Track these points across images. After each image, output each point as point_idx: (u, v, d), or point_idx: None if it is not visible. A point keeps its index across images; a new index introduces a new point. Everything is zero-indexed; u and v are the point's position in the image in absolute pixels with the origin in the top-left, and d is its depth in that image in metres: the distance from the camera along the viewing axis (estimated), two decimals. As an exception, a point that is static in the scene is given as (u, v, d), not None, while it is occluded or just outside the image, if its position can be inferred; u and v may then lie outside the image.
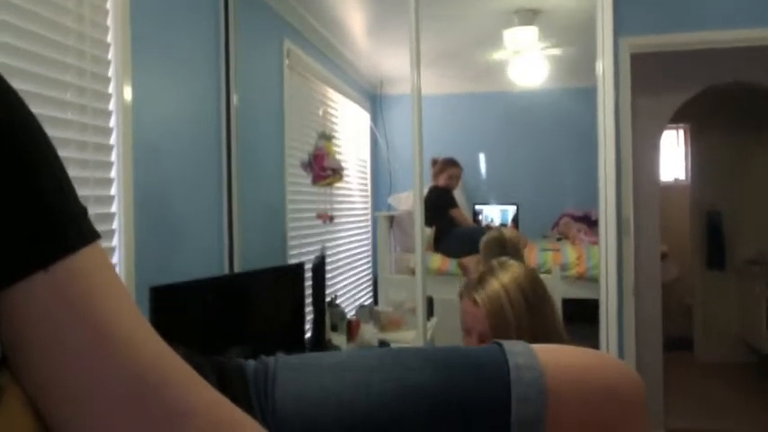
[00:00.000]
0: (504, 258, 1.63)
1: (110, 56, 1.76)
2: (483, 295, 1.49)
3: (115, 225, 1.76)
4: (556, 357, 0.64)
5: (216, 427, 0.42)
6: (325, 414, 0.58)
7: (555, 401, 0.59)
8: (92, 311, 0.39)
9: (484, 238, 2.73)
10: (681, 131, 5.95)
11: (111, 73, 1.76)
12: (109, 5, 1.76)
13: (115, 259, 1.76)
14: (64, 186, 0.42)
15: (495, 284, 1.49)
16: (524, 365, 0.61)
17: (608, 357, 0.69)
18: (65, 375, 0.39)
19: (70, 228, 0.40)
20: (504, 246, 2.57)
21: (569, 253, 3.65)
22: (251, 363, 0.63)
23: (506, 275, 1.50)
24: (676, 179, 5.94)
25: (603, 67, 2.17)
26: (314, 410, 0.58)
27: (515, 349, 0.63)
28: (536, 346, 0.64)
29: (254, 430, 0.45)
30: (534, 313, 1.47)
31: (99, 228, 1.58)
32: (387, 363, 0.63)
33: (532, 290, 1.49)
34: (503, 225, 4.38)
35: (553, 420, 0.59)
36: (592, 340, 2.22)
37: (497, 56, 3.63)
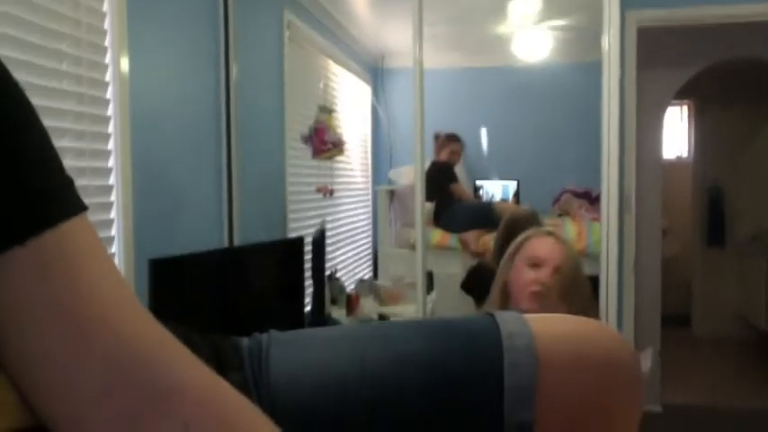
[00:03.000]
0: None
1: (106, 25, 1.73)
2: (563, 241, 1.67)
3: (113, 197, 1.75)
4: (548, 325, 0.64)
5: (208, 404, 0.41)
6: (319, 388, 0.58)
7: (547, 368, 0.59)
8: (71, 288, 0.38)
9: (507, 217, 2.74)
10: (684, 108, 5.90)
11: (107, 43, 1.73)
12: (105, -27, 1.72)
13: (113, 232, 1.75)
14: (46, 157, 0.40)
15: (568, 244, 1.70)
16: (516, 333, 0.61)
17: (600, 325, 0.69)
18: (44, 354, 0.37)
19: (51, 200, 0.39)
20: (524, 226, 2.60)
21: (570, 229, 3.64)
22: (245, 340, 0.63)
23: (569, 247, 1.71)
24: (678, 156, 5.91)
25: (609, 41, 2.13)
26: (308, 385, 0.58)
27: (507, 318, 0.63)
28: (529, 316, 0.64)
29: (248, 409, 0.44)
30: (583, 282, 1.65)
31: (97, 200, 1.57)
32: (380, 335, 0.63)
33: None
34: (503, 200, 4.37)
35: (546, 387, 0.59)
36: (591, 315, 2.24)
37: (501, 29, 3.58)
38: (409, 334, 0.63)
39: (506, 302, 1.65)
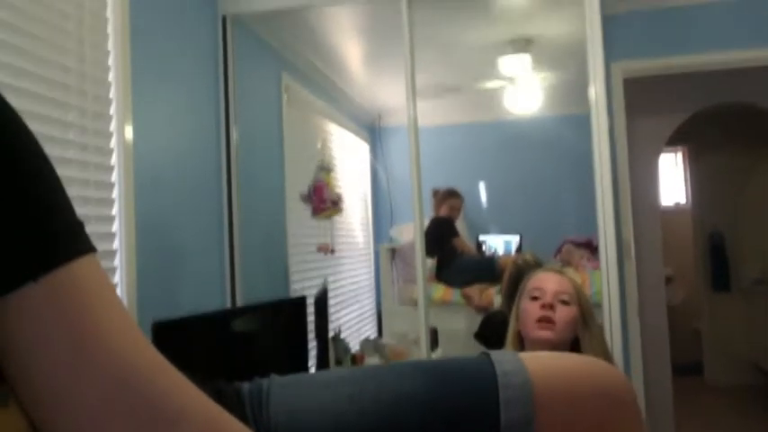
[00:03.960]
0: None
1: (111, 94, 1.79)
2: (568, 272, 1.65)
3: (117, 262, 1.77)
4: (542, 363, 0.65)
5: (211, 430, 0.43)
6: (319, 426, 0.58)
7: (544, 404, 0.60)
8: (80, 321, 0.40)
9: (512, 262, 2.76)
10: (679, 154, 5.98)
11: (112, 111, 1.79)
12: (110, 46, 1.80)
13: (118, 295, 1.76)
14: (59, 199, 0.43)
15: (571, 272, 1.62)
16: (511, 371, 0.62)
17: (594, 360, 0.69)
18: (54, 382, 0.39)
19: (63, 239, 0.41)
20: (529, 269, 2.62)
21: (573, 279, 3.63)
22: (246, 384, 0.64)
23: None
24: (677, 203, 5.95)
25: (596, 92, 2.20)
26: (306, 424, 0.59)
27: (502, 357, 0.64)
28: (524, 355, 0.65)
29: None
30: (594, 317, 1.59)
31: (101, 265, 1.60)
32: (377, 375, 0.64)
33: None
34: (506, 254, 4.38)
35: (542, 423, 0.59)
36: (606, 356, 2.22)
37: (492, 84, 3.68)
38: (406, 374, 0.64)
39: (521, 347, 1.59)
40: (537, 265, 2.60)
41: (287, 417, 0.59)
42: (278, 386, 0.62)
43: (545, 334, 1.51)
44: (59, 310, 0.40)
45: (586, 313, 1.55)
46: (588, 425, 0.62)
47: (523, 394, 0.60)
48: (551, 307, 1.52)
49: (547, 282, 1.57)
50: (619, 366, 2.16)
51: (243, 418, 0.58)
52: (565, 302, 1.53)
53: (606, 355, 1.55)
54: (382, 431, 0.58)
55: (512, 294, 1.71)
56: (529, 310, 1.55)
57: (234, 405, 0.59)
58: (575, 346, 1.54)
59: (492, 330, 2.52)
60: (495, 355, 0.65)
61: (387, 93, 4.08)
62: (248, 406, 0.60)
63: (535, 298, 1.55)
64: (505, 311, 1.79)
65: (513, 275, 2.56)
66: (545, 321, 1.51)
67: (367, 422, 0.59)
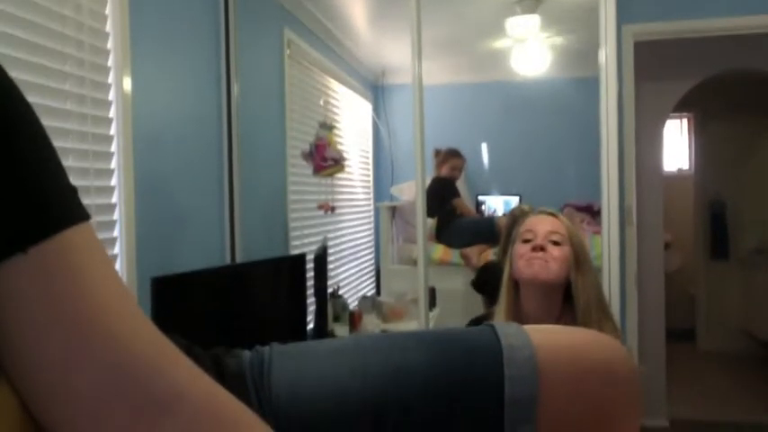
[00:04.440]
0: None
1: (109, 45, 1.75)
2: (561, 217, 1.57)
3: (116, 216, 1.76)
4: (548, 337, 0.64)
5: (210, 413, 0.42)
6: (320, 398, 0.58)
7: (548, 380, 0.60)
8: (72, 298, 0.38)
9: (510, 211, 2.73)
10: (684, 121, 5.92)
11: (110, 63, 1.75)
12: (107, -5, 1.74)
13: (116, 250, 1.76)
14: (50, 162, 0.40)
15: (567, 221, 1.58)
16: (517, 345, 0.61)
17: (601, 337, 0.69)
18: (45, 358, 0.38)
19: (53, 208, 0.39)
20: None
21: (572, 243, 3.63)
22: (247, 353, 0.63)
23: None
24: (680, 169, 5.92)
25: (606, 55, 2.15)
26: (309, 395, 0.58)
27: (508, 330, 0.63)
28: (529, 327, 0.64)
29: (248, 416, 0.44)
30: (589, 255, 1.56)
31: (99, 219, 1.58)
32: (381, 346, 0.63)
33: None
34: (505, 215, 4.37)
35: (546, 399, 0.59)
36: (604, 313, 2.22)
37: (499, 44, 3.60)
38: (410, 345, 0.63)
39: (516, 294, 1.55)
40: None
41: (288, 388, 0.59)
42: (279, 356, 0.62)
43: (536, 269, 1.47)
44: (50, 285, 0.38)
45: (580, 255, 1.50)
46: (589, 401, 0.62)
47: (528, 370, 0.60)
48: (542, 248, 1.49)
49: (538, 224, 1.53)
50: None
51: (244, 387, 0.58)
52: (556, 243, 1.49)
53: (600, 299, 1.50)
54: (384, 403, 0.58)
55: (508, 243, 1.66)
56: (521, 251, 1.51)
57: (234, 375, 0.59)
58: (567, 289, 1.50)
59: (488, 278, 2.50)
60: (501, 327, 0.64)
61: (391, 50, 4.01)
62: (249, 376, 0.59)
63: (527, 240, 1.51)
64: (502, 261, 1.75)
65: (509, 224, 2.53)
66: (536, 260, 1.48)
67: (369, 395, 0.58)
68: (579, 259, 1.49)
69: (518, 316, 1.53)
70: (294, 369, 0.60)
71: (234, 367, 0.60)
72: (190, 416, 0.40)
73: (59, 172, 0.41)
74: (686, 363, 4.79)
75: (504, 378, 0.59)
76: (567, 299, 1.51)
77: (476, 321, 1.75)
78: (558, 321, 1.49)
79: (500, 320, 1.52)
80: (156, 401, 0.39)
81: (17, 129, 0.39)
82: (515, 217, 2.54)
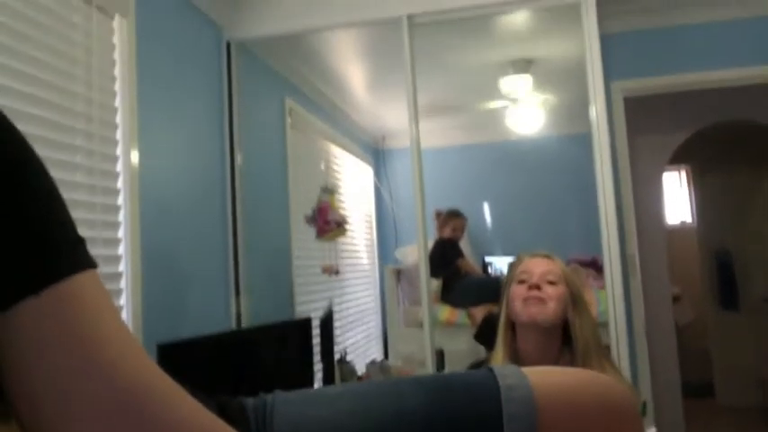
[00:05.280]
0: None
1: (117, 119, 1.82)
2: (555, 259, 1.56)
3: (123, 284, 1.78)
4: (545, 377, 0.65)
5: None
6: None
7: (546, 418, 0.60)
8: (81, 333, 0.41)
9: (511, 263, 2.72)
10: (683, 173, 5.98)
11: (118, 136, 1.82)
12: (116, 72, 1.83)
13: (123, 317, 1.77)
14: (59, 214, 0.44)
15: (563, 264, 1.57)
16: (514, 385, 0.62)
17: (601, 376, 0.69)
18: (53, 394, 0.39)
19: (63, 254, 0.42)
20: None
21: (578, 298, 3.61)
22: (250, 399, 0.64)
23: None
24: (683, 222, 5.93)
25: (597, 111, 2.22)
26: None
27: (505, 371, 0.64)
28: (527, 369, 0.65)
29: None
30: (584, 298, 1.54)
31: (107, 287, 1.61)
32: (381, 389, 0.64)
33: None
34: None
35: None
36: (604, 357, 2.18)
37: (494, 105, 3.71)
38: (410, 388, 0.64)
39: (513, 336, 1.54)
40: None
41: (290, 431, 0.59)
42: (282, 401, 0.63)
43: (533, 311, 1.46)
44: (60, 322, 0.40)
45: (576, 295, 1.49)
46: None
47: (526, 408, 0.60)
48: (538, 287, 1.48)
49: (534, 266, 1.53)
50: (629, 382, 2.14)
51: (247, 430, 0.59)
52: (552, 282, 1.49)
53: (598, 342, 1.48)
54: None
55: (505, 288, 1.65)
56: (517, 292, 1.51)
57: (238, 419, 0.60)
58: (564, 332, 1.49)
59: (490, 329, 2.48)
60: (498, 369, 0.65)
61: (390, 115, 4.11)
62: (252, 421, 0.60)
63: (522, 281, 1.51)
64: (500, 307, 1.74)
65: (509, 271, 2.53)
66: (533, 299, 1.47)
67: None
68: (576, 299, 1.49)
69: (515, 358, 1.51)
70: (296, 413, 0.61)
71: (237, 411, 0.61)
72: None
73: (69, 222, 0.44)
74: (706, 419, 4.65)
75: (502, 417, 0.60)
76: (565, 341, 1.50)
77: (474, 366, 1.73)
78: (556, 363, 1.47)
79: (498, 363, 1.51)
80: (161, 430, 0.41)
81: (31, 179, 0.42)
82: (512, 264, 2.54)
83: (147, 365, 0.44)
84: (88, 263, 0.44)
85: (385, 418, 0.60)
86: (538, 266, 1.53)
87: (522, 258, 1.63)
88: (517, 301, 1.50)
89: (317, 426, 0.60)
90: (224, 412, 0.59)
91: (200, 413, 0.45)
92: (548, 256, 1.57)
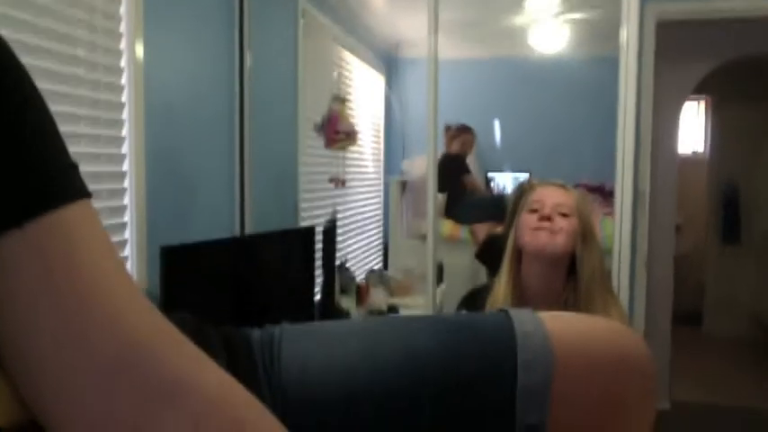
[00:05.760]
0: None
1: (121, 11, 1.73)
2: (570, 190, 1.52)
3: (126, 183, 1.76)
4: (564, 325, 0.63)
5: (219, 402, 0.40)
6: (330, 381, 0.57)
7: (562, 368, 0.59)
8: (68, 271, 0.36)
9: (514, 190, 2.70)
10: (702, 103, 5.82)
11: (122, 29, 1.73)
12: (121, -41, 1.72)
13: (126, 218, 1.76)
14: (49, 136, 0.38)
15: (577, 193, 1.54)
16: (531, 332, 0.60)
17: (618, 326, 0.68)
18: (39, 340, 0.35)
19: (52, 183, 0.37)
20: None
21: (582, 223, 3.61)
22: (256, 332, 0.63)
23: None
24: (695, 152, 5.85)
25: (627, 34, 2.11)
26: (319, 378, 0.58)
27: (522, 317, 0.62)
28: (543, 314, 0.63)
29: (259, 409, 0.43)
30: (594, 229, 1.51)
31: (110, 186, 1.58)
32: (393, 330, 0.62)
33: None
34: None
35: (560, 387, 0.58)
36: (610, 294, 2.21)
37: (518, 20, 3.54)
38: (422, 330, 0.63)
39: (518, 265, 1.52)
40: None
41: (298, 371, 0.58)
42: (289, 337, 0.61)
43: (542, 240, 1.44)
44: (45, 260, 0.36)
45: (587, 229, 1.46)
46: (604, 389, 0.61)
47: (543, 357, 0.58)
48: (549, 218, 1.45)
49: (547, 195, 1.49)
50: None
51: (253, 369, 0.57)
52: (564, 215, 1.45)
53: (603, 278, 1.48)
54: (395, 388, 0.57)
55: (514, 214, 1.63)
56: (527, 221, 1.48)
57: (244, 356, 0.58)
58: (571, 264, 1.47)
59: (492, 249, 2.48)
60: (515, 313, 0.63)
61: (407, 23, 3.94)
62: (259, 357, 0.59)
63: (534, 210, 1.48)
64: (507, 233, 1.71)
65: (516, 196, 2.51)
66: (543, 230, 1.44)
67: (380, 378, 0.58)
68: (586, 234, 1.46)
69: (519, 287, 1.51)
70: (303, 351, 0.60)
71: (243, 346, 0.60)
72: (194, 409, 0.38)
73: (60, 147, 0.39)
74: (691, 347, 4.79)
75: (517, 365, 0.58)
76: (571, 274, 1.48)
77: (475, 292, 1.74)
78: (560, 295, 1.47)
79: (501, 291, 1.51)
80: (164, 389, 0.37)
81: (14, 98, 0.37)
82: (523, 189, 2.50)
83: (144, 316, 0.39)
84: (80, 192, 0.39)
85: (396, 360, 0.59)
86: (551, 197, 1.49)
87: (533, 185, 1.59)
88: (527, 230, 1.47)
89: (326, 365, 0.59)
90: (229, 345, 0.58)
91: (204, 369, 0.41)
92: (563, 186, 1.53)
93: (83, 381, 0.36)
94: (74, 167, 0.39)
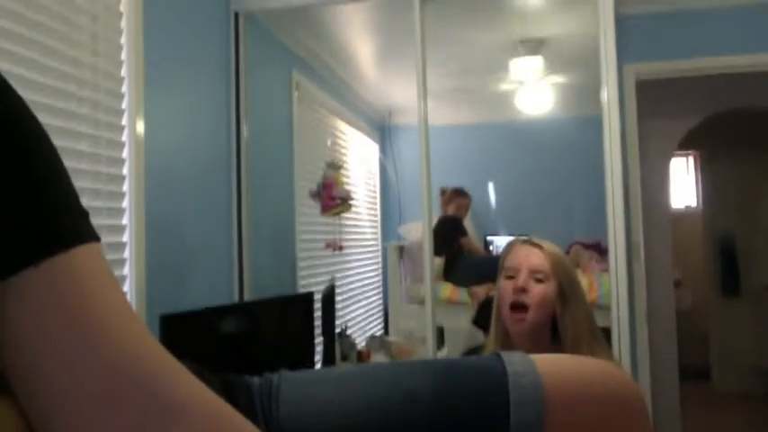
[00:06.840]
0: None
1: (123, 89, 1.80)
2: (546, 245, 1.50)
3: (126, 254, 1.78)
4: (554, 366, 0.64)
5: (215, 423, 0.42)
6: (328, 423, 0.58)
7: (554, 407, 0.59)
8: (79, 308, 0.39)
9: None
10: (690, 158, 5.94)
11: (124, 105, 1.81)
12: (123, 40, 1.81)
13: (126, 288, 1.77)
14: (63, 185, 0.42)
15: (551, 245, 1.52)
16: (522, 372, 0.61)
17: (606, 364, 0.69)
18: (50, 371, 0.38)
19: (65, 225, 0.41)
20: None
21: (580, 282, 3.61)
22: (256, 379, 0.64)
23: (554, 247, 1.53)
24: (687, 206, 5.91)
25: (608, 94, 2.19)
26: (316, 419, 0.59)
27: (513, 358, 0.64)
28: (534, 356, 0.65)
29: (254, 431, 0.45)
30: (578, 286, 1.50)
31: (110, 256, 1.60)
32: (388, 373, 0.64)
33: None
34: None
35: (552, 425, 0.59)
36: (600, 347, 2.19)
37: (503, 86, 3.67)
38: (416, 373, 0.64)
39: (504, 332, 1.51)
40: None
41: (295, 411, 0.59)
42: (288, 382, 0.62)
43: (516, 327, 1.45)
44: (59, 295, 0.39)
45: (566, 289, 1.45)
46: (596, 426, 0.61)
47: (534, 396, 0.60)
48: (524, 290, 1.44)
49: (523, 259, 1.48)
50: (626, 370, 2.15)
51: (252, 412, 0.59)
52: (539, 281, 1.45)
53: (590, 330, 1.45)
54: (392, 427, 0.58)
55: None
56: (504, 288, 1.48)
57: (243, 399, 0.59)
58: (555, 323, 1.47)
59: (487, 314, 2.48)
60: (506, 355, 0.64)
61: (397, 91, 4.08)
62: (258, 401, 0.60)
63: (510, 277, 1.48)
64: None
65: (502, 258, 2.52)
66: (517, 310, 1.44)
67: (376, 420, 0.58)
68: (565, 293, 1.45)
69: (507, 346, 1.50)
70: (302, 394, 0.61)
71: (242, 390, 0.61)
72: (194, 427, 0.40)
73: (72, 194, 0.43)
74: (701, 403, 4.69)
75: (510, 404, 0.59)
76: (556, 330, 1.48)
77: (471, 351, 1.74)
78: (548, 349, 1.47)
79: (491, 347, 1.52)
80: (161, 409, 0.40)
81: (34, 150, 0.41)
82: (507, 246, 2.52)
83: (147, 343, 0.42)
84: (91, 236, 0.43)
85: (391, 401, 0.60)
86: (526, 261, 1.48)
87: (513, 244, 1.60)
88: (504, 305, 1.49)
89: (324, 408, 0.60)
90: (228, 391, 0.59)
91: (205, 394, 0.43)
92: (538, 245, 1.51)
93: (87, 398, 0.38)
94: (85, 213, 0.44)
